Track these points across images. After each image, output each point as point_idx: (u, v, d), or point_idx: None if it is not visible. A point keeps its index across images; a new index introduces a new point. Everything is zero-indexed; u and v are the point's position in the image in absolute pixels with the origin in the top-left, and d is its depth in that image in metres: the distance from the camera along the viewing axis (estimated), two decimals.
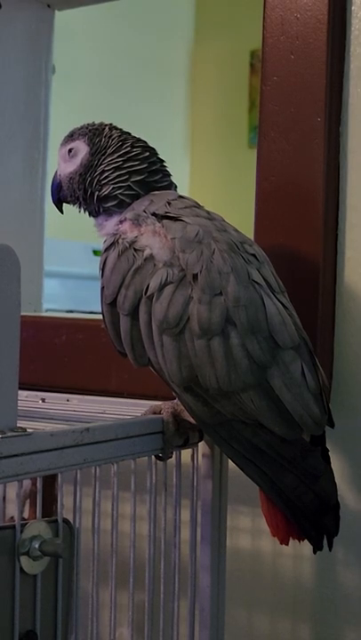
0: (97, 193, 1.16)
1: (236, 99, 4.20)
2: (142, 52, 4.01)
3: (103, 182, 1.16)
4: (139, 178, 1.15)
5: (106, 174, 1.15)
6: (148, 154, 1.17)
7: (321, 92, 1.27)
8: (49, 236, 1.94)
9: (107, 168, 1.16)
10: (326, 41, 1.27)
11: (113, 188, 1.15)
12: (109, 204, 1.16)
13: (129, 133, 1.19)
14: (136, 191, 1.15)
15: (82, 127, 1.20)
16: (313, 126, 1.28)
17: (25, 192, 1.85)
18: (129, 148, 1.16)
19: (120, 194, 1.15)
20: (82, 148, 1.18)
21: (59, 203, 1.23)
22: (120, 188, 1.15)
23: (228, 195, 3.62)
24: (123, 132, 1.18)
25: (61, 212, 1.24)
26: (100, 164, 1.16)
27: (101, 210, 1.17)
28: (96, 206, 1.17)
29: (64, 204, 1.23)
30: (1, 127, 1.83)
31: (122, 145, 1.16)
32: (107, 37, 3.88)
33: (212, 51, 4.30)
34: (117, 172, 1.15)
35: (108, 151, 1.16)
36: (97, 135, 1.18)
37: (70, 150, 1.19)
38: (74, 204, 1.21)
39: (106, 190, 1.15)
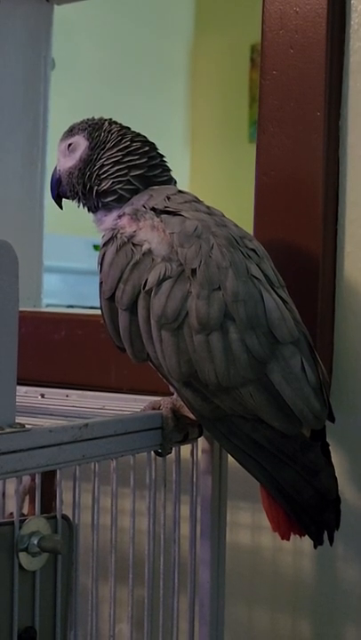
0: (96, 187, 1.16)
1: (237, 93, 4.19)
2: (142, 47, 4.00)
3: (102, 177, 1.15)
4: (138, 172, 1.15)
5: (105, 168, 1.15)
6: (147, 148, 1.16)
7: (320, 87, 1.27)
8: (49, 232, 1.93)
9: (106, 162, 1.15)
10: (326, 35, 1.27)
11: (112, 182, 1.15)
12: (108, 199, 1.16)
13: (128, 128, 1.19)
14: (135, 186, 1.15)
15: (81, 122, 1.20)
16: (312, 121, 1.27)
17: (24, 187, 1.85)
18: (128, 143, 1.16)
19: (119, 188, 1.15)
20: (81, 143, 1.18)
21: (58, 198, 1.23)
22: (119, 182, 1.15)
23: (228, 189, 3.62)
24: (122, 127, 1.18)
25: (61, 207, 1.24)
26: (100, 159, 1.16)
27: (100, 205, 1.17)
28: (95, 201, 1.17)
29: (63, 200, 1.23)
30: (0, 122, 1.82)
31: (121, 139, 1.16)
32: (106, 32, 3.87)
33: (213, 45, 4.29)
34: (117, 167, 1.15)
35: (108, 145, 1.16)
36: (96, 130, 1.17)
37: (70, 145, 1.19)
38: (73, 200, 1.21)
39: (105, 185, 1.15)
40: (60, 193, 1.22)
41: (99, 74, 3.80)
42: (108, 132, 1.17)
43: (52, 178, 1.23)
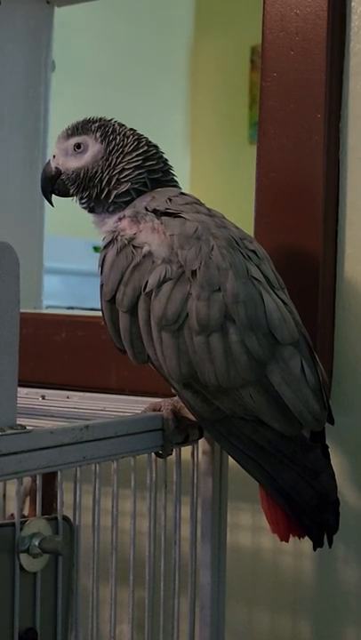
0: (115, 191, 1.15)
1: (237, 95, 4.20)
2: (142, 48, 4.00)
3: (123, 180, 1.15)
4: (156, 176, 1.15)
5: (126, 172, 1.14)
6: (161, 153, 1.17)
7: (321, 89, 1.27)
8: (49, 233, 1.93)
9: (127, 166, 1.14)
10: (326, 37, 1.27)
11: (131, 184, 1.14)
12: (120, 200, 1.15)
13: (135, 130, 1.18)
14: (146, 189, 1.14)
15: (87, 122, 1.17)
16: (313, 122, 1.27)
17: (25, 188, 1.85)
18: (146, 147, 1.16)
19: (133, 189, 1.14)
20: (92, 144, 1.16)
21: (49, 194, 1.21)
22: (137, 184, 1.14)
23: (228, 191, 3.62)
24: (132, 129, 1.18)
25: (51, 204, 1.22)
26: (120, 162, 1.15)
27: (111, 208, 1.16)
28: (108, 204, 1.16)
29: (55, 198, 1.21)
30: (1, 124, 1.83)
31: (138, 143, 1.16)
32: (106, 33, 3.87)
33: (213, 46, 4.29)
34: (138, 171, 1.14)
35: (126, 149, 1.15)
36: (111, 132, 1.16)
37: (77, 145, 1.17)
38: (73, 197, 1.19)
39: (124, 188, 1.14)
40: (54, 190, 1.21)
41: (99, 76, 3.80)
42: (124, 135, 1.16)
43: (45, 174, 1.20)
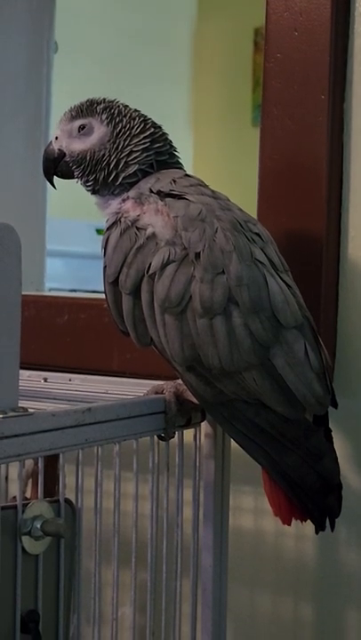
0: (123, 174, 1.14)
1: (240, 77, 4.18)
2: (145, 30, 3.98)
3: (131, 163, 1.14)
4: (163, 158, 1.14)
5: (134, 155, 1.13)
6: (165, 135, 1.15)
7: (325, 69, 1.26)
8: (51, 215, 1.93)
9: (135, 149, 1.13)
10: (330, 17, 1.26)
11: (138, 166, 1.13)
12: (126, 181, 1.14)
13: (139, 111, 1.17)
14: (152, 170, 1.13)
15: (91, 103, 1.16)
16: (317, 104, 1.27)
17: (27, 171, 1.84)
18: (152, 129, 1.14)
19: (139, 170, 1.13)
20: (97, 127, 1.15)
21: (52, 176, 1.20)
22: (143, 165, 1.13)
23: (231, 173, 3.60)
24: (137, 111, 1.16)
25: (54, 186, 1.21)
26: (128, 145, 1.13)
27: (117, 190, 1.15)
28: (114, 187, 1.15)
29: (56, 180, 1.20)
30: (3, 106, 1.82)
31: (145, 125, 1.14)
32: (109, 15, 3.85)
33: (216, 28, 4.27)
34: (145, 154, 1.13)
35: (134, 132, 1.14)
36: (117, 114, 1.15)
37: (82, 127, 1.15)
38: (76, 179, 1.18)
39: (131, 170, 1.13)
40: (57, 172, 1.20)
41: (101, 57, 3.79)
42: (130, 117, 1.15)
43: (47, 155, 1.19)
